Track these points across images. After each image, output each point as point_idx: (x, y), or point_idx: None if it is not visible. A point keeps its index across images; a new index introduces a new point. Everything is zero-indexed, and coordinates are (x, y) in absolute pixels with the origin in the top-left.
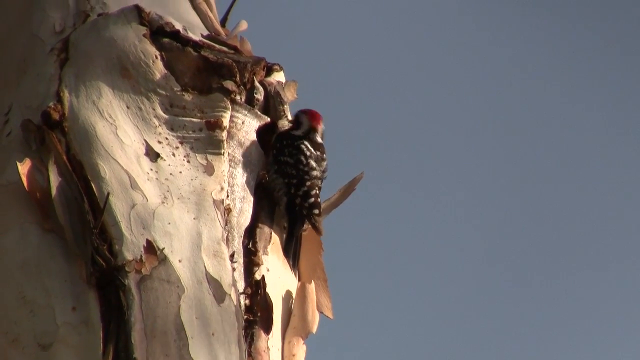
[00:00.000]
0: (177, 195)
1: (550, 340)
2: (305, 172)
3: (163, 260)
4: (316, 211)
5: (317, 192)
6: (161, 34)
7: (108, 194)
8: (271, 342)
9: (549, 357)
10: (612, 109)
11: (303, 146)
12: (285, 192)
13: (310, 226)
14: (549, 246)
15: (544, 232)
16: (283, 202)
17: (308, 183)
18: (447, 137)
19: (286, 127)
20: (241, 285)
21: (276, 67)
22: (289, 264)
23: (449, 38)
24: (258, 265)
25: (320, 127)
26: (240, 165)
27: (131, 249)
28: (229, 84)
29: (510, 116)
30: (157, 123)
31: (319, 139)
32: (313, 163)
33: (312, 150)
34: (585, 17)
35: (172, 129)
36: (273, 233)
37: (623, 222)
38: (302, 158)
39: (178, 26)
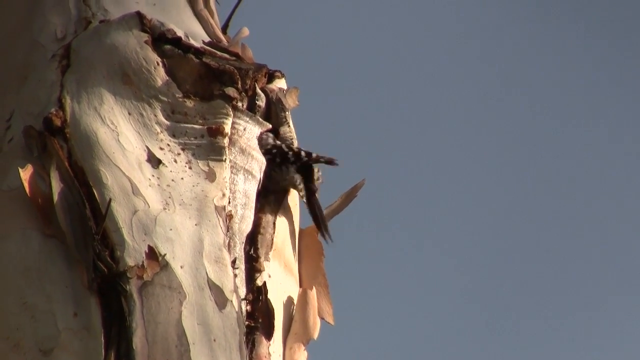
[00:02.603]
0: (178, 202)
1: (549, 341)
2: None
3: (165, 266)
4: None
5: (297, 148)
6: (163, 40)
7: (110, 200)
8: (272, 348)
9: (549, 358)
10: (614, 109)
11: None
12: (294, 171)
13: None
14: (553, 248)
15: (549, 235)
16: (298, 184)
17: (292, 151)
18: (451, 144)
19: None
20: (243, 292)
21: (278, 74)
22: (322, 228)
23: (453, 44)
24: (259, 271)
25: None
26: (242, 171)
27: (133, 255)
28: (231, 91)
29: (513, 118)
30: (158, 129)
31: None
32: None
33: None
34: (586, 17)
35: (173, 136)
36: (275, 238)
37: (628, 221)
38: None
39: (180, 33)
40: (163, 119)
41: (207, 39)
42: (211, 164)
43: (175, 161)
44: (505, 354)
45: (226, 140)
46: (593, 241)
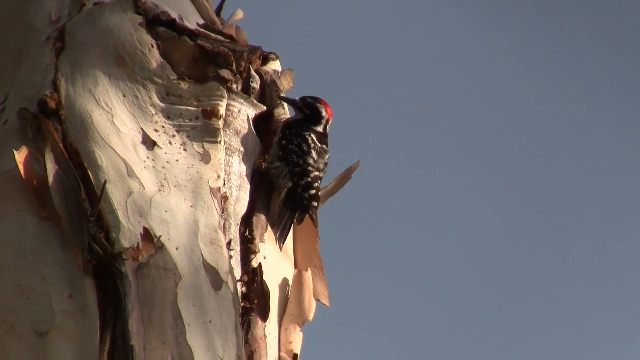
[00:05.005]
0: (174, 184)
1: (549, 342)
2: (310, 164)
3: (160, 248)
4: (315, 204)
5: (318, 185)
6: (157, 23)
7: (105, 182)
8: (268, 330)
9: (548, 358)
10: (613, 109)
11: (309, 138)
12: (290, 177)
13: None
14: (550, 244)
15: (545, 228)
16: (287, 186)
17: (312, 175)
18: (445, 126)
19: (295, 116)
20: (238, 273)
21: (272, 56)
22: (275, 237)
23: (448, 28)
24: (255, 253)
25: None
26: (237, 153)
27: (128, 237)
28: (225, 73)
29: (510, 111)
30: (153, 112)
31: (327, 131)
32: (316, 156)
33: (318, 142)
34: (585, 16)
35: (168, 118)
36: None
37: (625, 221)
38: (307, 149)
39: (174, 15)
40: (158, 101)
41: (201, 21)
42: (206, 145)
43: (171, 143)
44: (498, 335)
45: (221, 122)
46: (593, 243)
